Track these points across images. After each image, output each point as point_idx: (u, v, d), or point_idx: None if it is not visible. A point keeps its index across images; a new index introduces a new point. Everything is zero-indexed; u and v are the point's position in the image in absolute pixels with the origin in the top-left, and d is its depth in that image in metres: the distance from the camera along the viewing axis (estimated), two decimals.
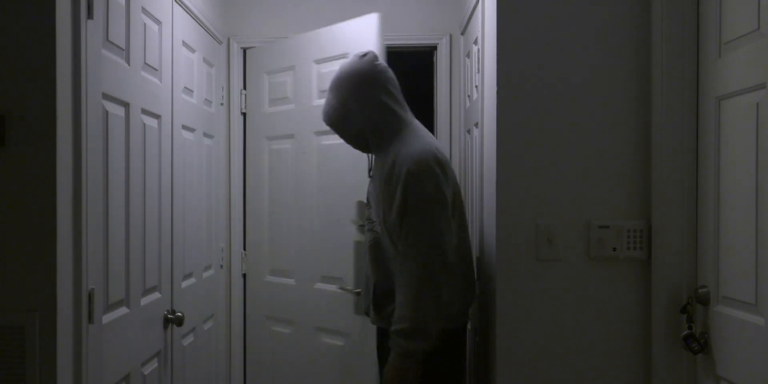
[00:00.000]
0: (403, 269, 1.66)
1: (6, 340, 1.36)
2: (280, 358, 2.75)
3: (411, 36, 2.81)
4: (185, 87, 2.29)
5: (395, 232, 1.69)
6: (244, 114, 2.88)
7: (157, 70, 2.00)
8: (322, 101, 2.43)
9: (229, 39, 2.84)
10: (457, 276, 1.77)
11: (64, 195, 1.42)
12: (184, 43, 2.28)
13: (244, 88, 2.88)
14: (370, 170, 1.91)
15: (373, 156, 1.87)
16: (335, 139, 2.32)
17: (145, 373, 1.91)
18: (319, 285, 2.56)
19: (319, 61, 2.56)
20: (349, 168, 2.39)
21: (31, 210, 1.38)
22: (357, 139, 1.83)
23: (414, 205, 1.65)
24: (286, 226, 2.71)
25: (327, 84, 2.07)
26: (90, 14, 1.50)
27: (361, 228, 2.32)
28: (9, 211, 1.38)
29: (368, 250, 1.84)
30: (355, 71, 1.77)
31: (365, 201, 1.95)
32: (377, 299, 1.81)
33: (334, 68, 2.34)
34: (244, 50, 2.86)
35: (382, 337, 1.89)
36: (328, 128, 2.03)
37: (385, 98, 1.76)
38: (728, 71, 1.45)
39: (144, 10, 1.89)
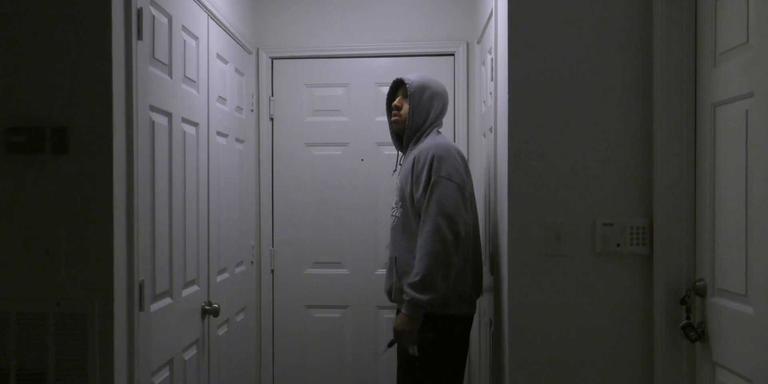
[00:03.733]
0: (422, 233, 1.95)
1: (72, 325, 1.53)
2: (312, 344, 3.04)
3: (429, 43, 2.95)
4: (219, 96, 2.46)
5: (422, 206, 1.97)
6: (272, 119, 3.05)
7: (194, 81, 2.18)
8: (382, 118, 2.84)
9: (258, 49, 3.01)
10: (469, 256, 2.04)
11: (119, 197, 1.59)
12: (218, 56, 2.45)
13: (272, 95, 3.05)
14: (394, 171, 2.19)
15: (402, 156, 2.21)
16: (394, 150, 2.70)
17: (186, 358, 2.08)
18: (380, 271, 2.99)
19: (381, 84, 2.98)
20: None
21: (91, 210, 1.55)
22: (409, 131, 2.14)
23: (436, 180, 1.96)
24: (334, 222, 3.03)
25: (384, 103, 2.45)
26: (140, 36, 1.68)
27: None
28: (72, 211, 1.56)
29: (390, 232, 2.14)
30: (438, 82, 2.21)
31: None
32: (399, 272, 2.05)
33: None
34: (272, 60, 3.03)
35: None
36: (388, 140, 2.40)
37: (441, 107, 2.17)
38: (722, 80, 1.56)
39: (184, 28, 2.06)
